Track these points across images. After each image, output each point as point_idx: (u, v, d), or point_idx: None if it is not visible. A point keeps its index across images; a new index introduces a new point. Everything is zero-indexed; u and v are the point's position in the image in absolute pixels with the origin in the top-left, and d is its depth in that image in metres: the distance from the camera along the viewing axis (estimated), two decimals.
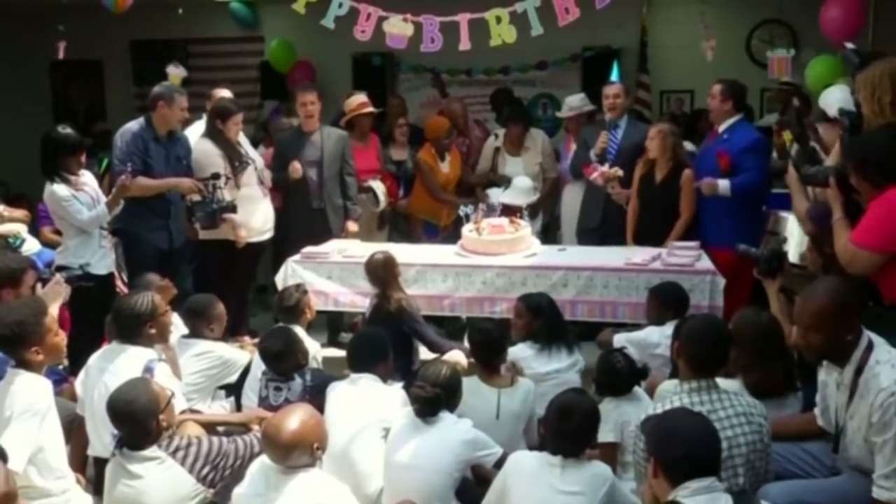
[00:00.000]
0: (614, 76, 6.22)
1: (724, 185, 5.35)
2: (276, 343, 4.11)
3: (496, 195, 6.29)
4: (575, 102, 6.69)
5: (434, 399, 3.47)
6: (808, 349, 3.06)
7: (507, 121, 6.91)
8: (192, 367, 4.19)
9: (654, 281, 4.75)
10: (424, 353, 4.88)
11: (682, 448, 2.51)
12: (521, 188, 6.30)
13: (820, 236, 4.04)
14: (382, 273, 4.85)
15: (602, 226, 6.03)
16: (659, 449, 2.57)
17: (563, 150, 6.84)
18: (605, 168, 5.87)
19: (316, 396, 3.83)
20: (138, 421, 3.17)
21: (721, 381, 3.14)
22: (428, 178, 6.53)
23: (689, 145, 6.21)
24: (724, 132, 5.55)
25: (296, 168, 5.86)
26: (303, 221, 5.96)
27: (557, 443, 3.08)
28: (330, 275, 5.31)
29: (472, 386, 3.83)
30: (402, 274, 4.94)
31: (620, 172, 5.82)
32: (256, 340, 5.11)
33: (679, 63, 8.01)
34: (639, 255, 5.11)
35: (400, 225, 6.99)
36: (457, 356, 4.47)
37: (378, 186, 6.45)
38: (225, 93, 6.30)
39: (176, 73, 7.16)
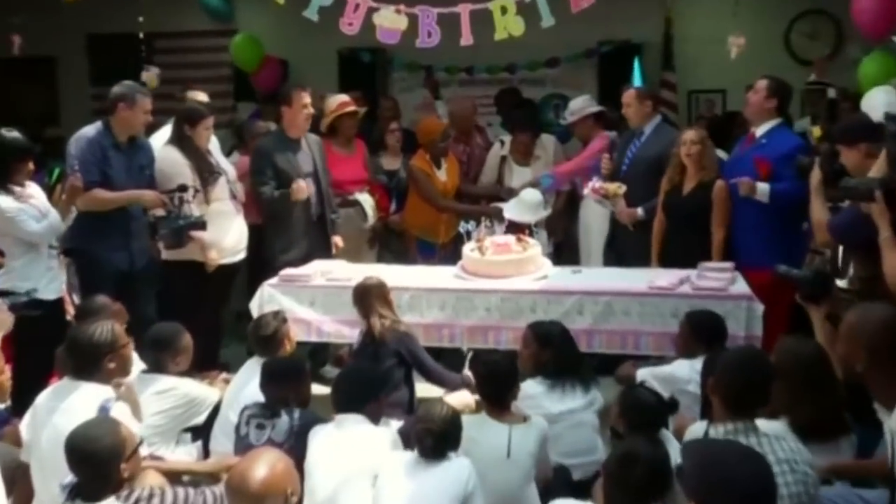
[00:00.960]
0: (637, 80, 6.20)
1: (763, 188, 5.32)
2: (282, 365, 4.11)
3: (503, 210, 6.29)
4: (576, 105, 6.71)
5: (443, 436, 3.49)
6: (839, 363, 3.08)
7: (514, 127, 6.90)
8: (154, 407, 4.15)
9: (682, 307, 4.72)
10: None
11: (736, 499, 2.41)
12: (528, 202, 6.27)
13: (840, 251, 4.03)
14: (370, 300, 4.81)
15: (613, 241, 6.10)
16: (706, 499, 2.47)
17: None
18: (599, 182, 5.86)
19: (301, 439, 3.81)
20: (99, 464, 3.12)
21: (762, 423, 3.10)
22: (425, 186, 6.51)
23: (720, 153, 6.20)
24: (763, 137, 5.54)
25: (301, 188, 5.79)
26: (304, 239, 5.95)
27: (614, 494, 3.00)
28: (312, 301, 5.28)
29: (478, 422, 3.82)
30: (394, 301, 4.91)
31: (622, 189, 5.82)
32: (226, 376, 5.08)
33: (709, 60, 7.99)
34: (664, 277, 5.07)
35: (392, 244, 6.96)
36: (464, 398, 4.43)
37: (366, 200, 6.43)
38: (201, 96, 6.30)
39: (151, 75, 7.14)
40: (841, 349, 3.00)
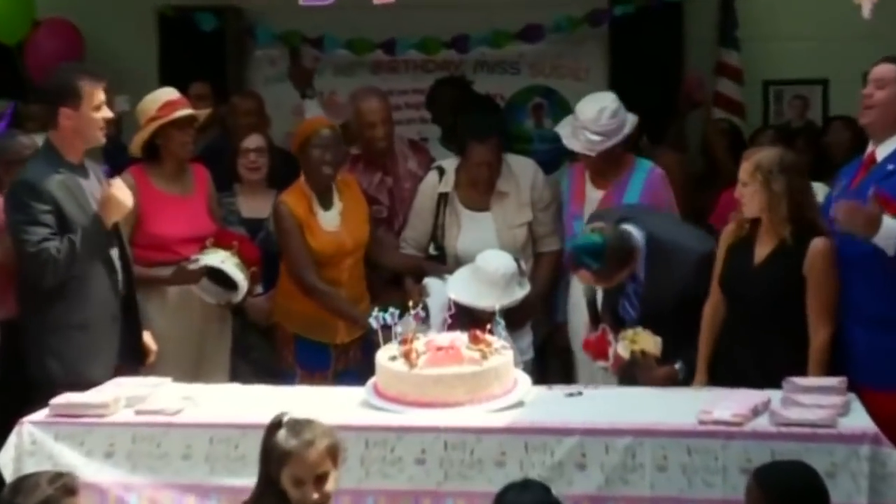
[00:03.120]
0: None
1: (891, 226, 5.32)
2: None
3: (440, 288, 6.35)
4: (605, 120, 6.56)
5: None
6: None
7: (465, 143, 6.90)
8: None
9: (758, 456, 4.73)
10: None
11: None
12: (489, 274, 6.32)
13: None
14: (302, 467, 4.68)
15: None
16: None
17: (570, 196, 6.90)
18: (620, 345, 5.85)
19: None
20: None
21: None
22: (287, 243, 6.56)
23: (819, 189, 6.28)
24: (890, 159, 5.62)
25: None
26: (109, 342, 5.92)
27: None
28: (110, 451, 5.22)
29: None
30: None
31: (658, 345, 5.84)
32: None
33: (799, 29, 8.14)
34: (725, 403, 5.08)
35: (253, 345, 6.93)
36: None
37: (224, 259, 6.38)
38: None
39: None
40: None
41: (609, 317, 6.11)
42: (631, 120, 6.70)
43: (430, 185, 6.99)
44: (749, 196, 5.58)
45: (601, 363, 6.00)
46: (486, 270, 6.34)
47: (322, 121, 6.78)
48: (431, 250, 7.01)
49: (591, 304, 6.29)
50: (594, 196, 6.74)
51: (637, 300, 6.04)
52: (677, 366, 5.88)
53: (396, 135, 7.40)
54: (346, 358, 6.57)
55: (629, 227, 5.94)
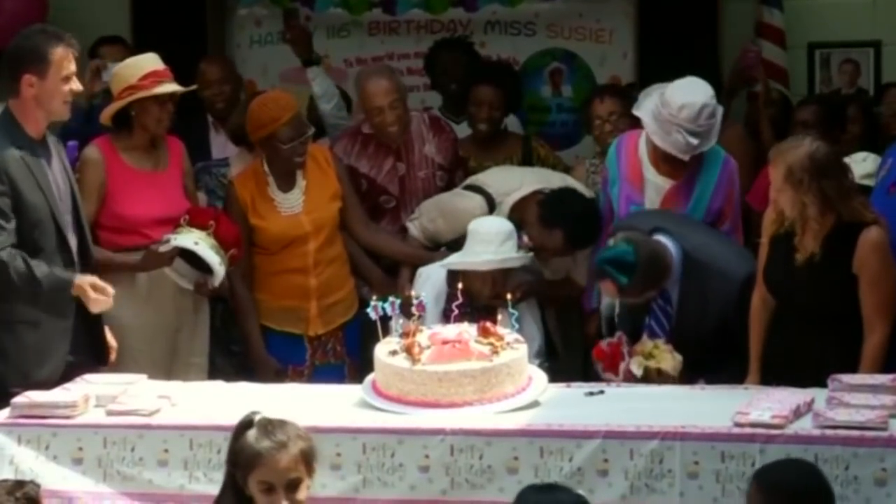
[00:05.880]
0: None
1: None
2: None
3: (437, 279, 6.47)
4: (699, 120, 6.33)
5: None
6: None
7: (554, 226, 6.72)
8: None
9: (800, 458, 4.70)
10: None
11: None
12: (483, 233, 6.44)
13: None
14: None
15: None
16: None
17: (622, 175, 6.79)
18: (634, 364, 5.90)
19: None
20: None
21: None
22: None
23: (870, 159, 6.29)
24: None
25: (102, 298, 5.82)
26: (63, 336, 5.95)
27: None
28: (78, 455, 5.26)
29: None
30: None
31: (675, 367, 5.87)
32: None
33: None
34: (764, 403, 5.10)
35: (235, 337, 7.02)
36: None
37: (198, 239, 6.39)
38: None
39: None
40: None
41: (628, 330, 6.09)
42: (721, 111, 6.56)
43: (476, 213, 6.93)
44: (784, 201, 5.61)
45: (609, 376, 5.94)
46: (478, 231, 6.45)
47: (282, 104, 6.75)
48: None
49: (610, 321, 6.32)
50: (658, 182, 6.63)
51: (666, 320, 6.07)
52: (700, 387, 5.82)
53: (415, 113, 7.44)
54: (324, 351, 6.66)
55: (664, 240, 5.98)
